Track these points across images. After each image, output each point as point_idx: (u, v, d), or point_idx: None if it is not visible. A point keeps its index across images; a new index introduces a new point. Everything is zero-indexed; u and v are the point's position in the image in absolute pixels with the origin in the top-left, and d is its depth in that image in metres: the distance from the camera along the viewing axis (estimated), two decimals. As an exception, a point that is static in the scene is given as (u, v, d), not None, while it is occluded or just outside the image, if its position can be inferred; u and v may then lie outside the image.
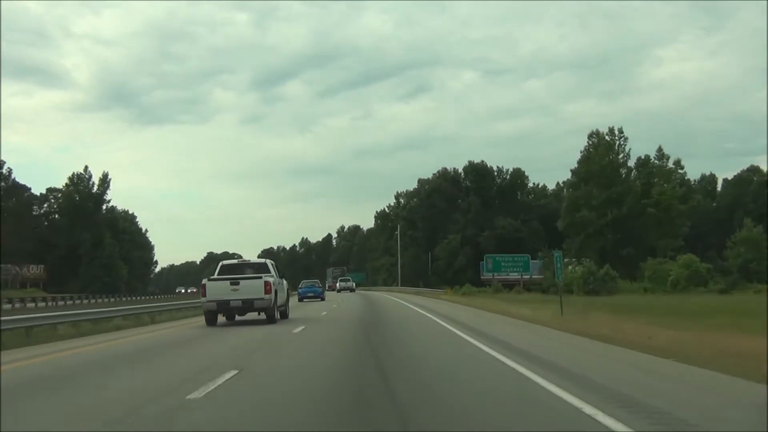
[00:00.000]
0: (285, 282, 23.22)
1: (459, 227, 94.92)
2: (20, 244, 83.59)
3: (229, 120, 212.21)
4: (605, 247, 60.12)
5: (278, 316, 20.87)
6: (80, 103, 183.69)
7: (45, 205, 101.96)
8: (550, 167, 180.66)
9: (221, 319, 20.77)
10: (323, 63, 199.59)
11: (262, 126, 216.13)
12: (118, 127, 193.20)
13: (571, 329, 14.90)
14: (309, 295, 47.49)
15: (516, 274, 61.75)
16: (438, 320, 19.71)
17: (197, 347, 13.51)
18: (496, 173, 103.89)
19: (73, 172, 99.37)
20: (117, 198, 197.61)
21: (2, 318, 14.91)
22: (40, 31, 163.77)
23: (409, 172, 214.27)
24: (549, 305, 25.72)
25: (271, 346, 13.53)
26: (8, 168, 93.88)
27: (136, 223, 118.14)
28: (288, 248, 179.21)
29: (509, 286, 57.10)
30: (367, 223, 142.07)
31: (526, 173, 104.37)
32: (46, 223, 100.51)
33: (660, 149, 63.60)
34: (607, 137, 63.34)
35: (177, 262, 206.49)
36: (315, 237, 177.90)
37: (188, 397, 7.19)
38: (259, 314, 20.58)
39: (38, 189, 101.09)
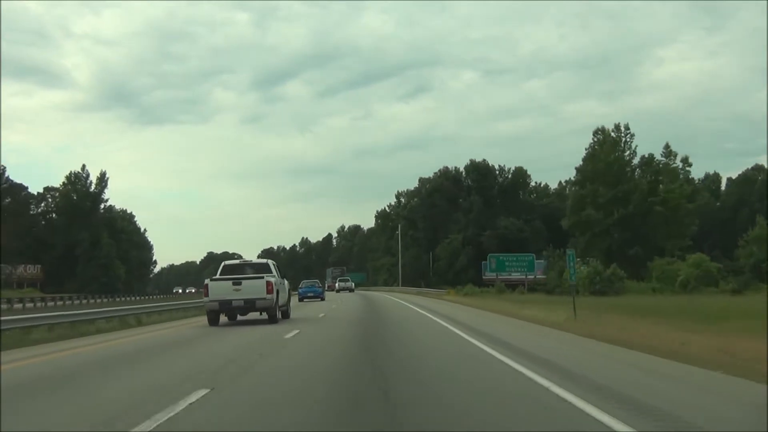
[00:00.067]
0: (286, 282, 23.30)
1: (460, 227, 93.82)
2: (15, 244, 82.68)
3: (229, 120, 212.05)
4: (611, 247, 58.75)
5: (280, 316, 20.84)
6: (80, 103, 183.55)
7: (42, 205, 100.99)
8: (551, 167, 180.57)
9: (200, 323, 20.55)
10: (323, 63, 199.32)
11: (262, 126, 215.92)
12: (118, 127, 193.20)
13: (591, 334, 13.71)
14: (309, 295, 47.63)
15: (519, 273, 60.65)
16: (449, 326, 18.30)
17: (178, 357, 12.36)
18: (497, 172, 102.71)
19: (71, 171, 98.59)
20: (117, 198, 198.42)
21: (1, 318, 14.72)
22: (40, 31, 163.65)
23: (410, 173, 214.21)
24: (559, 306, 24.60)
25: (257, 356, 12.36)
26: (2, 167, 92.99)
27: (134, 223, 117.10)
28: (288, 248, 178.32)
29: (512, 286, 56.01)
30: (368, 222, 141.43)
31: (528, 172, 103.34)
32: (43, 223, 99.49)
33: (667, 146, 62.31)
34: (612, 134, 61.91)
35: (177, 262, 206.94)
36: (315, 237, 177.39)
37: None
38: (261, 314, 20.55)
39: (38, 189, 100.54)
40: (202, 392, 7.34)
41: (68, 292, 67.23)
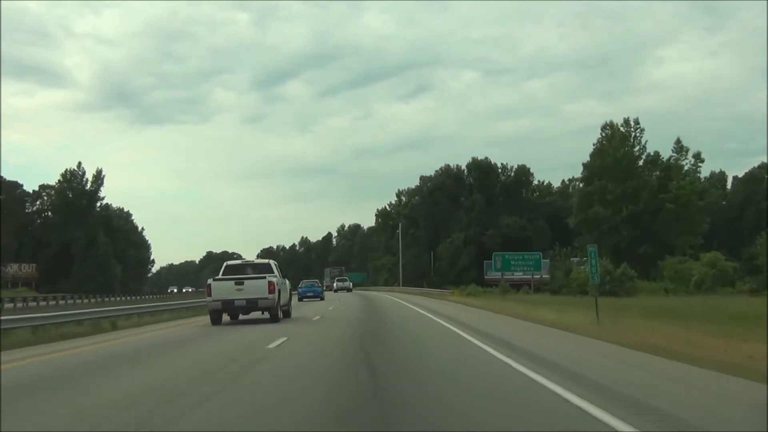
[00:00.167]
0: (287, 282, 23.65)
1: (462, 226, 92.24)
2: (9, 242, 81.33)
3: (229, 120, 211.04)
4: (620, 245, 56.78)
5: (281, 315, 21.20)
6: (81, 103, 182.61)
7: (37, 203, 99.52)
8: (551, 167, 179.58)
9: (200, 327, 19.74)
10: (323, 63, 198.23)
11: (263, 126, 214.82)
12: (119, 127, 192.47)
13: (625, 341, 12.01)
14: (309, 294, 47.89)
15: (521, 273, 58.94)
16: (464, 334, 16.76)
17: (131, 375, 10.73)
18: (500, 170, 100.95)
19: (66, 169, 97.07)
20: (117, 198, 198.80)
21: (1, 318, 14.60)
22: (40, 31, 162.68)
23: (410, 173, 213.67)
24: (574, 308, 23.03)
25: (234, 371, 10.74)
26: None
27: (131, 221, 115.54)
28: (288, 247, 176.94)
29: (515, 286, 54.37)
30: (368, 222, 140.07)
31: (531, 170, 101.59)
32: (38, 221, 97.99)
33: (678, 141, 60.28)
34: (621, 128, 59.99)
35: (176, 262, 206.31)
36: (315, 236, 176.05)
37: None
38: (263, 313, 20.85)
39: (35, 188, 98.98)
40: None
41: (63, 291, 66.03)
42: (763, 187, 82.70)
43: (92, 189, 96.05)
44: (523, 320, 19.59)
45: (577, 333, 14.46)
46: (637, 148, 60.86)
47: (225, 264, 22.42)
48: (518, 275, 58.90)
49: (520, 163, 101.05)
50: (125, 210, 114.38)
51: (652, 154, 62.18)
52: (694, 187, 58.42)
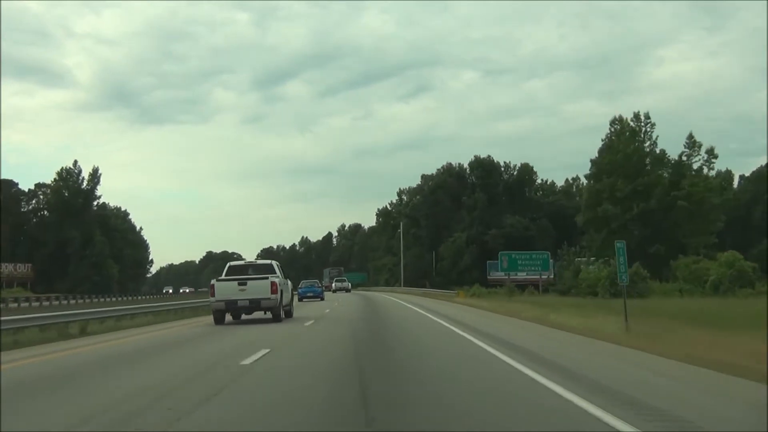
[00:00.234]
0: (289, 282, 23.97)
1: (464, 225, 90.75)
2: (3, 242, 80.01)
3: (229, 120, 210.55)
4: (630, 244, 54.75)
5: (283, 315, 21.49)
6: (81, 103, 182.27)
7: (33, 201, 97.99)
8: (551, 167, 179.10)
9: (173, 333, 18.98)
10: (323, 63, 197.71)
11: (263, 126, 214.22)
12: (119, 127, 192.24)
13: (668, 353, 10.41)
14: (309, 294, 48.07)
15: (525, 273, 57.44)
16: (478, 341, 15.20)
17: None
18: (503, 169, 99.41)
19: (62, 167, 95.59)
20: (117, 198, 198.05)
21: (1, 318, 14.71)
22: (41, 31, 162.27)
23: (410, 173, 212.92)
24: (592, 311, 21.54)
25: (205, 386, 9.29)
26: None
27: (129, 221, 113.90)
28: (288, 247, 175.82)
29: (520, 287, 52.88)
30: (368, 222, 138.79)
31: (534, 169, 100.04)
32: (34, 220, 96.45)
33: (691, 136, 58.27)
34: (631, 123, 58.22)
35: (176, 262, 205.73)
36: (315, 236, 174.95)
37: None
38: (265, 313, 21.32)
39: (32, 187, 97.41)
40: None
41: (59, 291, 64.98)
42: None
43: (88, 188, 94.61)
44: (546, 326, 17.79)
45: (607, 341, 12.82)
46: (648, 143, 59.13)
47: (228, 265, 22.89)
48: (522, 275, 57.42)
49: (523, 162, 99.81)
50: (123, 209, 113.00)
51: (657, 152, 60.57)
52: (708, 184, 56.70)
